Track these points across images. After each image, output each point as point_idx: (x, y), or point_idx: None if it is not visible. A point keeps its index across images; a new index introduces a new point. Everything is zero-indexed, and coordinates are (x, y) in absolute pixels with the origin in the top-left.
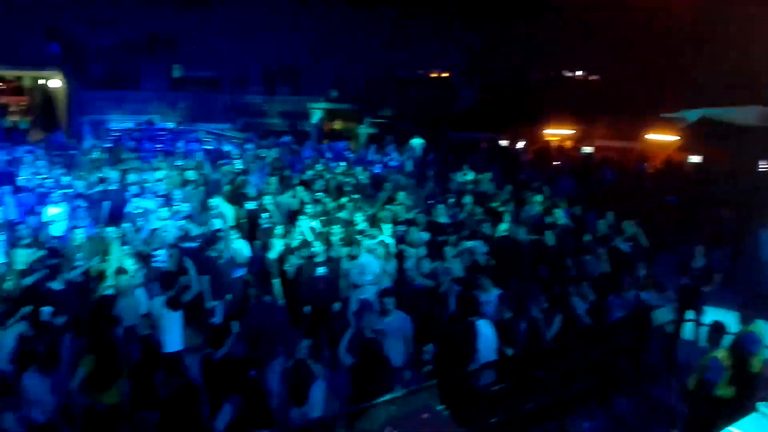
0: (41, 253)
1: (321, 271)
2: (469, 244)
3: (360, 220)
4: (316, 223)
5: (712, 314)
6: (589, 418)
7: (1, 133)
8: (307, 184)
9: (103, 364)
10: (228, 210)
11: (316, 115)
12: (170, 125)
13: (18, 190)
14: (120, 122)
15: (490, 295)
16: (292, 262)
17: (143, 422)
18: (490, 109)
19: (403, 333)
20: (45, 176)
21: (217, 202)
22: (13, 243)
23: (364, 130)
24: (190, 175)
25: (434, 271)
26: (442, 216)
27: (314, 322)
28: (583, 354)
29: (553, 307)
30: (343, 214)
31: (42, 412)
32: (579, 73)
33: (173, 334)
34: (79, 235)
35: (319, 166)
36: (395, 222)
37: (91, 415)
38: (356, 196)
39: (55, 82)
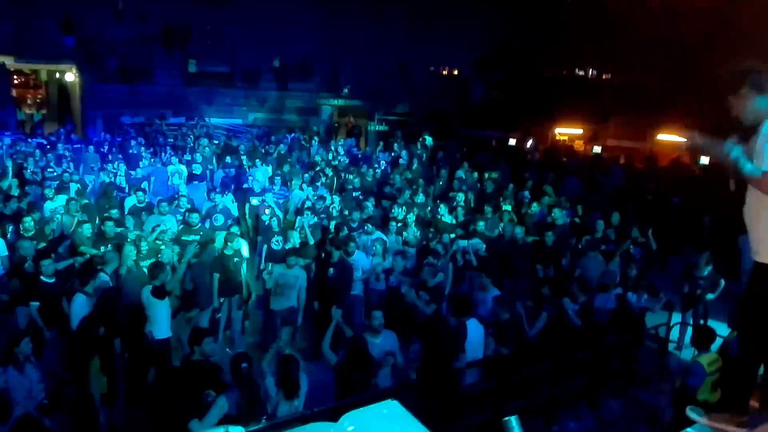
0: (42, 245)
1: (331, 272)
2: (463, 243)
3: (357, 218)
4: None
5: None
6: (576, 419)
7: (15, 125)
8: (311, 181)
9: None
10: (232, 206)
11: (327, 111)
12: (181, 120)
13: (26, 182)
14: (132, 116)
15: (488, 294)
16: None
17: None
18: (502, 106)
19: (393, 354)
20: (52, 169)
21: (221, 198)
22: (18, 234)
23: (373, 127)
24: (197, 169)
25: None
26: (446, 215)
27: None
28: (572, 354)
29: (539, 305)
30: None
31: (21, 407)
32: (591, 72)
33: (160, 323)
34: (85, 230)
35: (323, 164)
36: (396, 220)
37: (77, 405)
38: (357, 194)
39: (70, 76)
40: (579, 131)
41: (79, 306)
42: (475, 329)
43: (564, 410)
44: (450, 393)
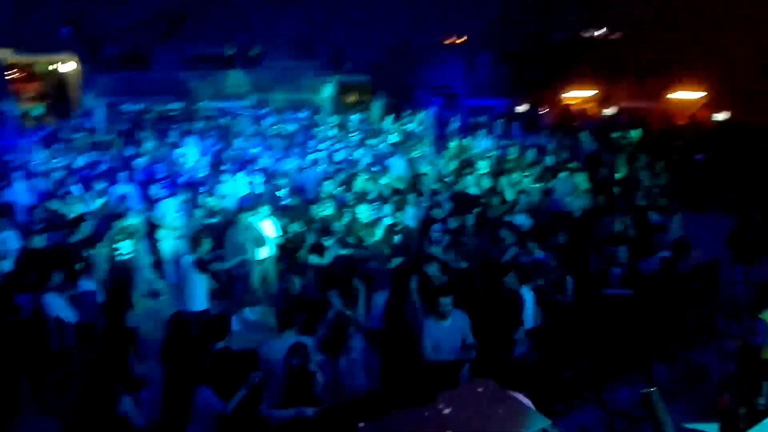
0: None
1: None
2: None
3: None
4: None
5: None
6: (629, 384)
7: (13, 121)
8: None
9: None
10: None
11: (330, 88)
12: (182, 105)
13: (31, 175)
14: (133, 104)
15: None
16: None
17: None
18: (509, 73)
19: (462, 335)
20: (58, 161)
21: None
22: (27, 228)
23: (379, 101)
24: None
25: None
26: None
27: None
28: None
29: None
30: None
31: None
32: (599, 32)
33: (199, 294)
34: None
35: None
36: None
37: None
38: (375, 168)
39: (69, 66)
40: (590, 94)
41: None
42: (529, 298)
43: (614, 378)
44: (499, 364)
